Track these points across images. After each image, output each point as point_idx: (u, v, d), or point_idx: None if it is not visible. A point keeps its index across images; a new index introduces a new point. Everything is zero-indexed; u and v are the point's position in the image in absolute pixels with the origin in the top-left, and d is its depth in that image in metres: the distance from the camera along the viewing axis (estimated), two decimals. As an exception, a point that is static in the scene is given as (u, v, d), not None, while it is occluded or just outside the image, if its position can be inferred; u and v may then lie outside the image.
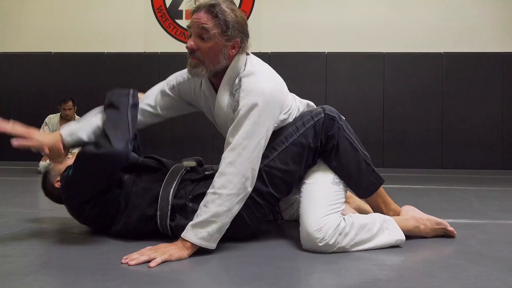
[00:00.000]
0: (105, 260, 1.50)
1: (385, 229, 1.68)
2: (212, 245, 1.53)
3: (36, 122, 5.68)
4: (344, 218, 1.63)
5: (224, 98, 1.67)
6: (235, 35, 1.62)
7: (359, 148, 1.75)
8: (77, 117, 5.44)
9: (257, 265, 1.45)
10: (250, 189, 1.56)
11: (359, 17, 6.62)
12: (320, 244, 1.56)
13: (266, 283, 1.29)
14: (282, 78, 1.73)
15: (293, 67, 6.51)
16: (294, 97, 1.86)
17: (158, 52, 6.76)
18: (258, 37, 6.73)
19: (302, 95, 1.95)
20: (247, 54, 1.71)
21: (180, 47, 6.64)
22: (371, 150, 1.83)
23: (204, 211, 1.51)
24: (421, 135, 6.40)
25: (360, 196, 1.84)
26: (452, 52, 6.42)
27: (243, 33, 1.65)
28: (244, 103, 1.56)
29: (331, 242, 1.57)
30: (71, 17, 6.91)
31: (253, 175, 1.56)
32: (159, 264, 1.42)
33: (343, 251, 1.59)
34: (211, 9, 1.59)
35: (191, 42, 1.63)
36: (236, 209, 1.54)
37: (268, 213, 1.75)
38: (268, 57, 6.59)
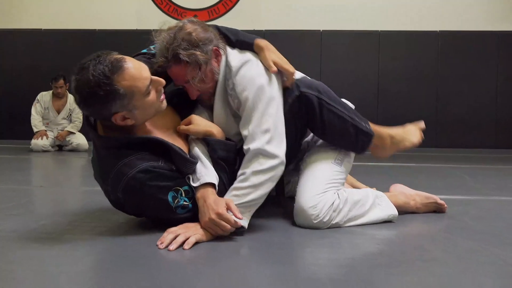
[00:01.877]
0: (96, 231, 1.49)
1: (378, 204, 1.69)
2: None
3: (28, 99, 5.63)
4: (338, 195, 1.62)
5: (220, 105, 1.64)
6: (209, 52, 1.57)
7: (346, 115, 1.66)
8: (69, 95, 5.37)
9: (250, 239, 1.45)
10: (282, 167, 1.54)
11: (355, -6, 6.52)
12: (315, 221, 1.56)
13: (258, 257, 1.29)
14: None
15: (287, 45, 6.38)
16: None
17: (151, 30, 6.61)
18: (253, 15, 6.64)
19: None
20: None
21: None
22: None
23: (232, 188, 1.51)
24: (416, 114, 6.31)
25: (357, 154, 1.79)
26: (448, 30, 6.36)
27: (213, 40, 1.60)
28: (246, 95, 1.54)
29: (325, 220, 1.56)
30: (62, -7, 6.77)
31: (282, 151, 1.53)
32: (194, 244, 1.37)
33: (336, 227, 1.60)
34: (176, 60, 1.54)
35: (192, 94, 1.62)
36: (266, 189, 1.52)
37: None
38: (262, 35, 6.50)
